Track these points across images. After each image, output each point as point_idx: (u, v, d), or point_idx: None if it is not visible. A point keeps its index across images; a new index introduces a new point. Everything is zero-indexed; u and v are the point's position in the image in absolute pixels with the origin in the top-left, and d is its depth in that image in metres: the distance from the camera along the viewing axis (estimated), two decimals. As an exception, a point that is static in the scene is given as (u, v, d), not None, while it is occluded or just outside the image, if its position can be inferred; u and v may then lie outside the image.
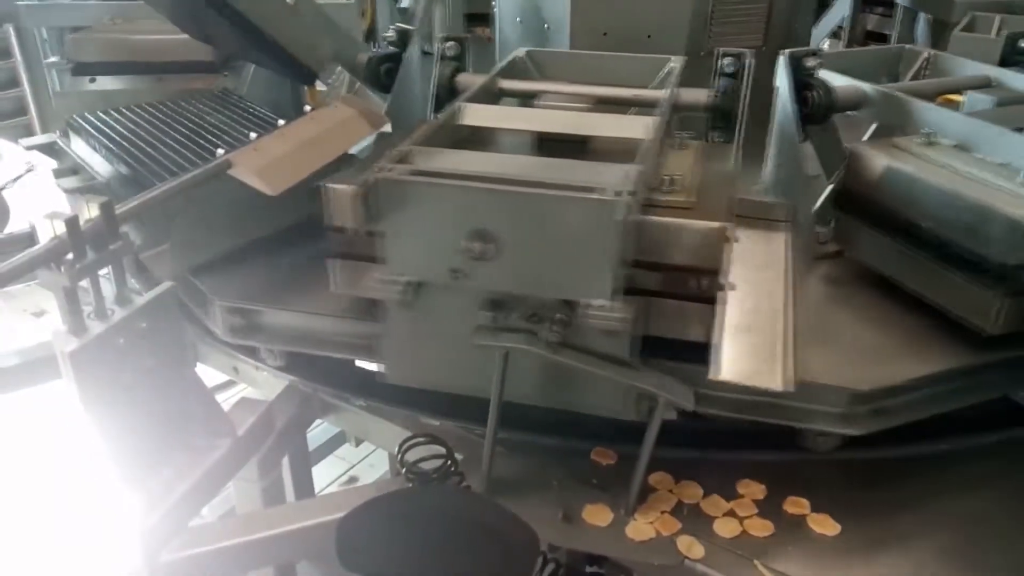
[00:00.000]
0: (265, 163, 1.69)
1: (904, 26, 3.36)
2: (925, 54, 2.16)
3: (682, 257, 1.32)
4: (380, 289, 1.36)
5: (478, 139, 1.66)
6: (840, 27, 3.91)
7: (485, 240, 1.25)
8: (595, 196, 1.20)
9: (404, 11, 3.87)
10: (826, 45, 3.92)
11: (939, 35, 2.81)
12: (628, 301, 1.29)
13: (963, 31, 2.50)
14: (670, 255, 1.33)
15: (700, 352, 1.34)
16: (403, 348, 1.49)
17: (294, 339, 1.71)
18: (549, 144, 1.63)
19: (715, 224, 1.31)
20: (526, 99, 1.84)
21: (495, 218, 1.25)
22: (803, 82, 1.81)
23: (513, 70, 1.96)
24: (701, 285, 1.33)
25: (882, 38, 3.87)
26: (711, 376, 1.31)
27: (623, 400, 1.42)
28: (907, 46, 2.27)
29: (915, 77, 2.14)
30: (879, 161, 1.65)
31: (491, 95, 1.83)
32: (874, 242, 1.69)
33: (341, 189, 1.36)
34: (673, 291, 1.35)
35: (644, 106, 1.76)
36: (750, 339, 1.36)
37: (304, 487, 2.11)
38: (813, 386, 1.43)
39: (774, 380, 1.30)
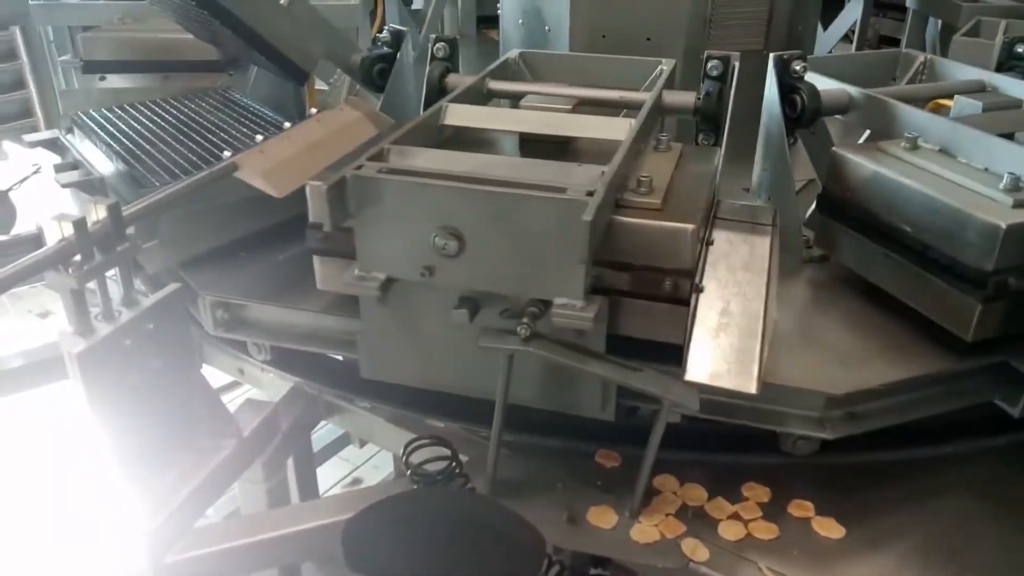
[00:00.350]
0: (271, 165, 1.69)
1: (915, 30, 3.36)
2: (922, 58, 2.16)
3: (647, 257, 1.32)
4: (356, 285, 1.37)
5: (463, 139, 1.66)
6: (852, 31, 3.91)
7: (455, 238, 1.26)
8: (563, 196, 1.20)
9: (415, 13, 3.87)
10: (829, 50, 3.92)
11: (948, 39, 2.81)
12: (598, 300, 1.29)
13: (969, 36, 2.49)
14: (635, 255, 1.33)
15: (675, 353, 1.34)
16: (379, 344, 1.50)
17: (279, 334, 1.72)
18: (532, 145, 1.64)
19: (679, 225, 1.30)
20: (516, 100, 1.84)
21: (463, 216, 1.25)
22: (790, 85, 1.81)
23: (504, 71, 1.97)
24: (671, 286, 1.33)
25: (897, 43, 3.87)
26: (684, 377, 1.31)
27: (601, 401, 1.42)
28: (904, 50, 2.27)
29: (911, 81, 2.14)
30: (860, 165, 1.65)
31: (479, 96, 1.83)
32: (856, 246, 1.69)
33: (316, 185, 1.36)
34: (643, 292, 1.34)
35: (629, 108, 1.77)
36: (726, 341, 1.35)
37: (309, 488, 2.11)
38: (788, 389, 1.43)
39: (748, 383, 1.29)
